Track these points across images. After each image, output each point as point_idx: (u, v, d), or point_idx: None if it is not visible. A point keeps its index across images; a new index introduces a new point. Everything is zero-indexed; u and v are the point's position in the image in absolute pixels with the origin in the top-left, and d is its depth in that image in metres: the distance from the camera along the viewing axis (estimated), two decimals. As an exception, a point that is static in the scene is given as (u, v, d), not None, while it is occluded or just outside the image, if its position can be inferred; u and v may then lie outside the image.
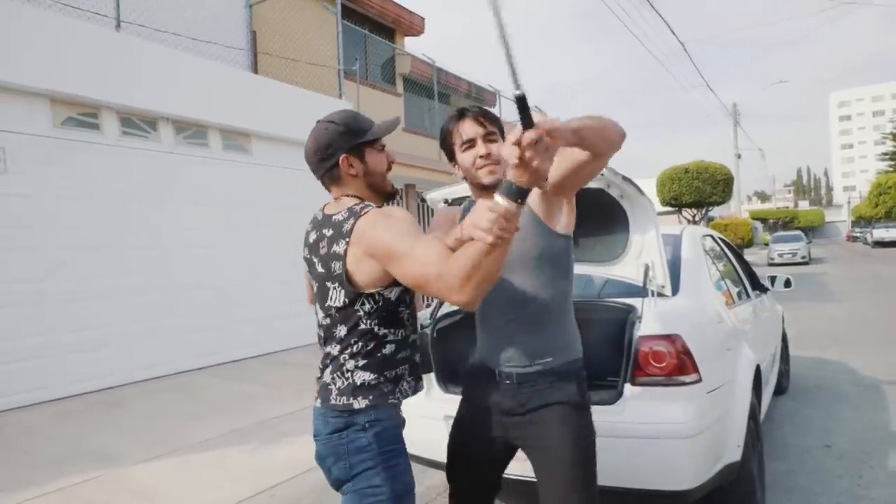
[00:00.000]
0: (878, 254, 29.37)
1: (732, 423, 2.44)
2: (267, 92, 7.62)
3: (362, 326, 1.51)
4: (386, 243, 1.40)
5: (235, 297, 7.02)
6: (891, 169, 48.54)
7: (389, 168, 1.61)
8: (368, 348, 1.51)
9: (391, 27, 12.61)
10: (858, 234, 50.43)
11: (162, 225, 6.38)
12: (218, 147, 7.12)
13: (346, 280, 1.49)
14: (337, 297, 1.52)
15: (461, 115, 1.68)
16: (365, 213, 1.49)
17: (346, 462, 1.47)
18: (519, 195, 1.15)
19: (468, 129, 1.66)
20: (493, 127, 1.66)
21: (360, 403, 1.49)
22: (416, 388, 1.61)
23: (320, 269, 1.54)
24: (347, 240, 1.47)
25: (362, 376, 1.50)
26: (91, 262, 5.75)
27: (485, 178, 1.65)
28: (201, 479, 3.54)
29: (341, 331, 1.53)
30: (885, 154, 51.59)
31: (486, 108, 1.72)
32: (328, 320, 1.56)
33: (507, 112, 13.86)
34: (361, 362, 1.51)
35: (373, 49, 11.90)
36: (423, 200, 2.36)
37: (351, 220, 1.48)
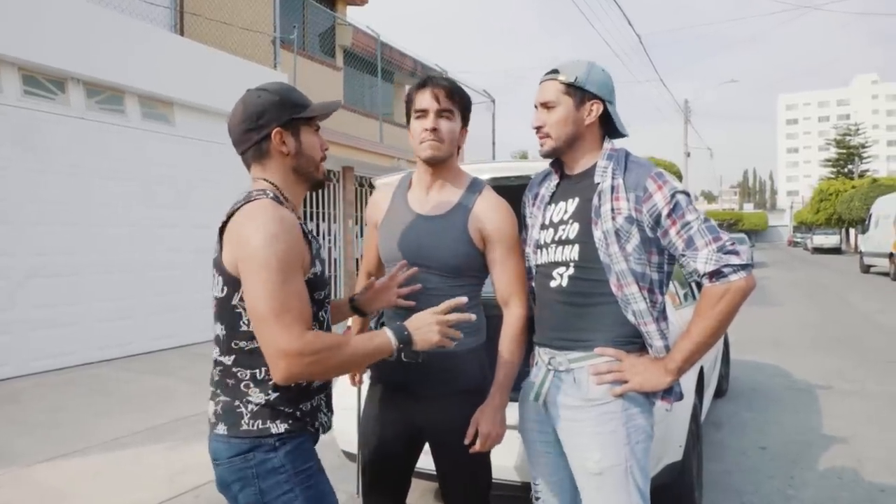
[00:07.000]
0: (817, 260, 31.71)
1: (675, 424, 2.64)
2: (193, 57, 7.39)
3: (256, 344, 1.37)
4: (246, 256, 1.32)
5: (152, 283, 6.82)
6: (833, 176, 51.94)
7: (324, 157, 1.55)
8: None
9: (333, -6, 12.43)
10: (799, 240, 54.02)
11: (69, 199, 6.11)
12: (136, 115, 6.87)
13: (220, 265, 1.41)
14: (216, 287, 1.42)
15: (424, 83, 1.78)
16: (256, 198, 1.39)
17: (255, 487, 1.37)
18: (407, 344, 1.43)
19: (424, 99, 1.75)
20: (449, 104, 1.75)
21: (278, 428, 1.38)
22: (329, 423, 1.54)
23: (214, 254, 1.46)
24: (225, 221, 1.41)
25: (273, 409, 1.39)
26: (-17, 237, 5.45)
27: (423, 152, 1.76)
28: (117, 479, 3.48)
29: (233, 343, 1.42)
30: (829, 160, 55.08)
31: (455, 84, 1.80)
32: (220, 328, 1.45)
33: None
34: (273, 395, 1.39)
35: (312, 17, 11.70)
36: (373, 187, 2.43)
37: (238, 204, 1.41)
